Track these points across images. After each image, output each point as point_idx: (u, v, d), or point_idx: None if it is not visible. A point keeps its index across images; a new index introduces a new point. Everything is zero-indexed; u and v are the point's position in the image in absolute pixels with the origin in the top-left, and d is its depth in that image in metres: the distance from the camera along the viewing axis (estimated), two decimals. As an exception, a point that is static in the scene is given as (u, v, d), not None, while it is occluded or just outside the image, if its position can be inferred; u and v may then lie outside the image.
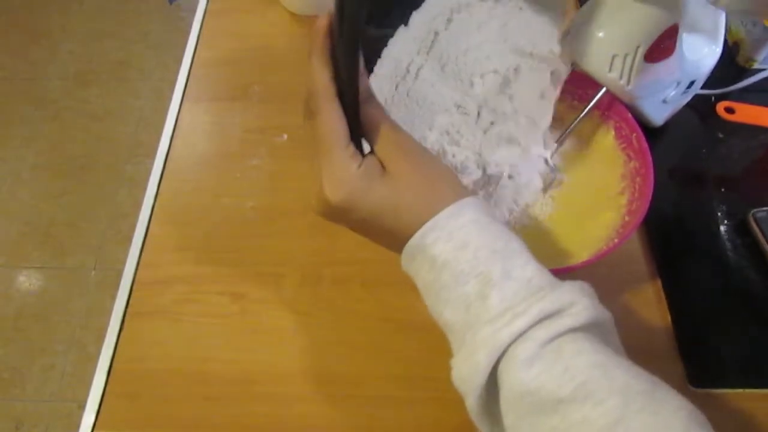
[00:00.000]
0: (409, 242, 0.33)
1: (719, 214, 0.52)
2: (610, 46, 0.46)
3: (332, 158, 0.34)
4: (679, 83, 0.52)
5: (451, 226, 0.32)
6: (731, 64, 0.62)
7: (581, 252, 0.46)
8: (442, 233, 0.32)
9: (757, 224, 0.49)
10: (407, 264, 0.34)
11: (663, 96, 0.52)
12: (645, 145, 0.47)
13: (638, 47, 0.45)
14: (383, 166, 0.34)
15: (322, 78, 0.34)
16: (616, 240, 0.44)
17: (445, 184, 0.35)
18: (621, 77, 0.46)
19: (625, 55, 0.45)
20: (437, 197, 0.34)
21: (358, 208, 0.33)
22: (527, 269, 0.31)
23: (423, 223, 0.33)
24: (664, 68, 0.47)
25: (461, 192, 0.34)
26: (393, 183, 0.34)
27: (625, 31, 0.46)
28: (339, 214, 0.34)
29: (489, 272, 0.31)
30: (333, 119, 0.34)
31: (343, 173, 0.33)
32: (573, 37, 0.47)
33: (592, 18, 0.46)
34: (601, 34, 0.46)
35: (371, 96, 0.36)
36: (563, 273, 0.38)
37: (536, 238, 0.48)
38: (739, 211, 0.51)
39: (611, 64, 0.46)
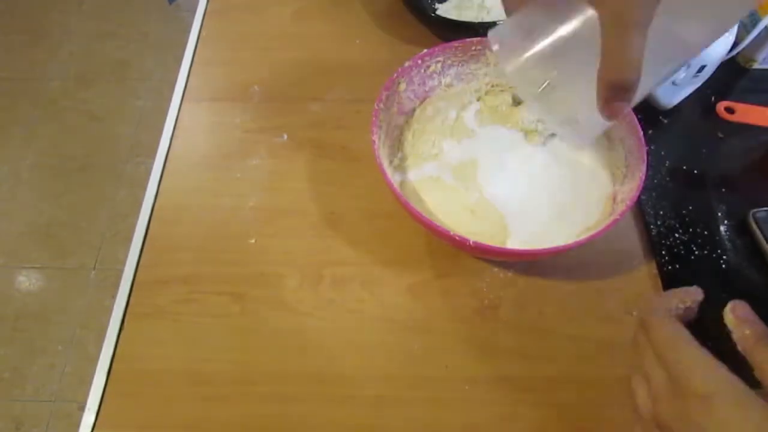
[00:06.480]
0: None
1: (719, 214, 0.52)
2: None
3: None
4: (689, 66, 0.50)
5: None
6: (731, 64, 0.62)
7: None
8: None
9: (757, 224, 0.49)
10: None
11: (673, 78, 0.51)
12: (636, 122, 0.46)
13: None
14: None
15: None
16: (609, 220, 0.43)
17: None
18: None
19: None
20: None
21: None
22: None
23: None
24: None
25: None
26: None
27: None
28: None
29: None
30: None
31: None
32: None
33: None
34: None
35: None
36: (557, 253, 0.37)
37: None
38: (739, 211, 0.51)
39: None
